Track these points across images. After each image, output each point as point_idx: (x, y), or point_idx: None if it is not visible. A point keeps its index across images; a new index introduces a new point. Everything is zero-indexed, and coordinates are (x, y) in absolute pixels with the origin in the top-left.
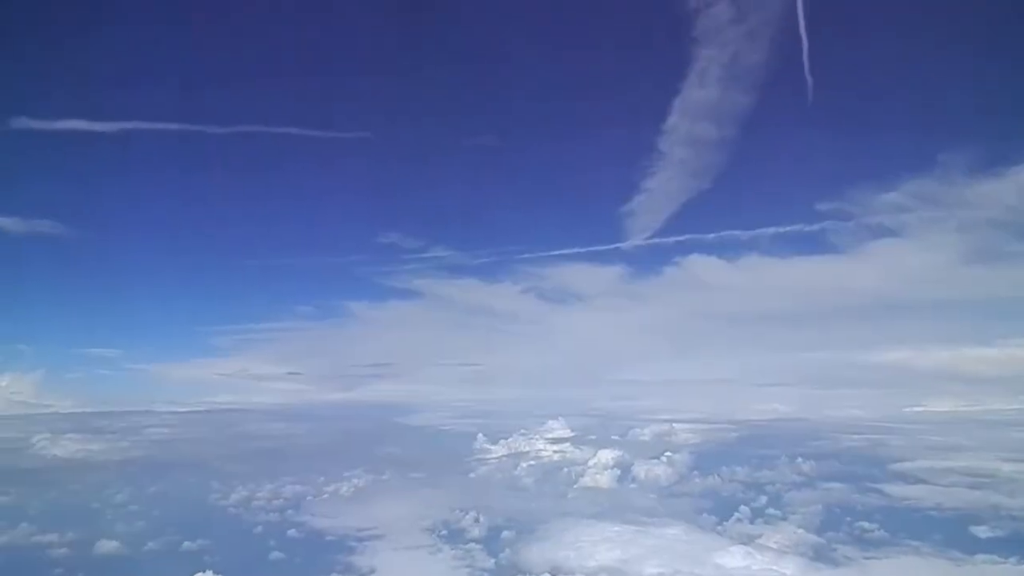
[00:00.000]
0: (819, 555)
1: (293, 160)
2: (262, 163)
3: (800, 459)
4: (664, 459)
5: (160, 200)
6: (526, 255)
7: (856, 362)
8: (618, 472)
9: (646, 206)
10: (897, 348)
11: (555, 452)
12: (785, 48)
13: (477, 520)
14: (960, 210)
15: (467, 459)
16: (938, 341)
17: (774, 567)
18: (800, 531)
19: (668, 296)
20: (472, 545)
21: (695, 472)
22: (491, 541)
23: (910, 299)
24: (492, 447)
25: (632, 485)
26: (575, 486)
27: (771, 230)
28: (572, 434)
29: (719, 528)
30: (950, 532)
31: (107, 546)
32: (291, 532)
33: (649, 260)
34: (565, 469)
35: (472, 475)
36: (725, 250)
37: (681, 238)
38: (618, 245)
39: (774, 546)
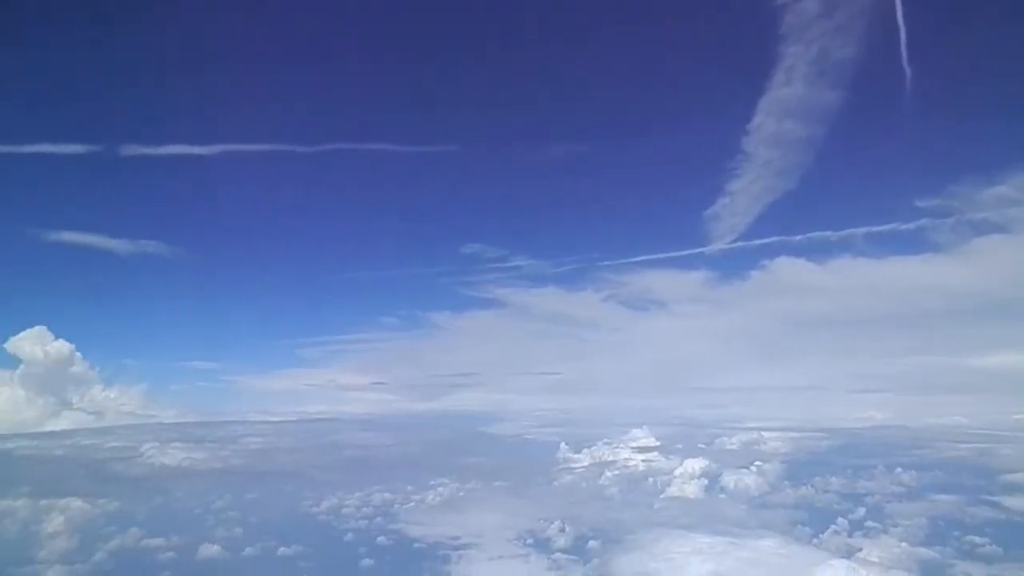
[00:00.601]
0: (928, 571)
1: (377, 175)
2: (347, 179)
3: (900, 469)
4: (754, 468)
5: (253, 219)
6: (607, 262)
7: (959, 366)
8: (706, 482)
9: (730, 209)
10: (1004, 351)
11: (640, 461)
12: (877, 40)
13: (563, 530)
14: None
15: (551, 468)
16: None
17: None
18: (903, 545)
19: (754, 301)
20: (559, 555)
21: (787, 482)
22: (578, 551)
23: (1017, 298)
24: (575, 456)
25: (721, 495)
26: (661, 496)
27: (863, 229)
28: (657, 443)
29: (815, 541)
30: None
31: (209, 550)
32: (380, 539)
33: (734, 264)
34: (651, 479)
35: (556, 484)
36: (814, 252)
37: (767, 240)
38: (701, 249)
39: (876, 560)
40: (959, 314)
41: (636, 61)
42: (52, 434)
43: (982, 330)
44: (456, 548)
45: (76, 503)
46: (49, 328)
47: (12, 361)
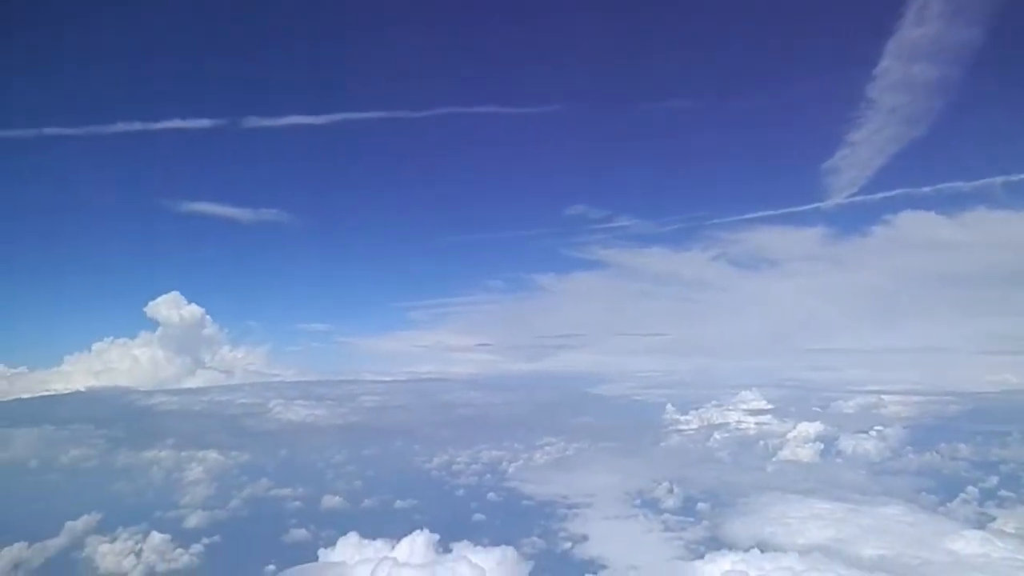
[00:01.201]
0: None
1: (482, 137)
2: (453, 143)
3: None
4: (873, 433)
5: (365, 186)
6: (716, 220)
7: None
8: (821, 446)
9: (850, 160)
10: None
11: (752, 424)
12: None
13: (672, 491)
14: None
15: (658, 430)
16: None
17: (1020, 556)
18: None
19: (875, 258)
20: (667, 516)
21: (910, 448)
22: (688, 512)
23: None
24: (683, 418)
25: (838, 460)
26: (774, 459)
27: (1001, 179)
28: (769, 406)
29: (942, 509)
30: None
31: (331, 501)
32: (491, 495)
33: (853, 219)
34: (762, 442)
35: (663, 445)
36: (944, 204)
37: (891, 193)
38: (818, 205)
39: (1013, 531)
40: None
41: (749, 4)
42: (189, 391)
43: None
44: (567, 507)
45: (212, 455)
46: (181, 293)
47: (151, 324)
